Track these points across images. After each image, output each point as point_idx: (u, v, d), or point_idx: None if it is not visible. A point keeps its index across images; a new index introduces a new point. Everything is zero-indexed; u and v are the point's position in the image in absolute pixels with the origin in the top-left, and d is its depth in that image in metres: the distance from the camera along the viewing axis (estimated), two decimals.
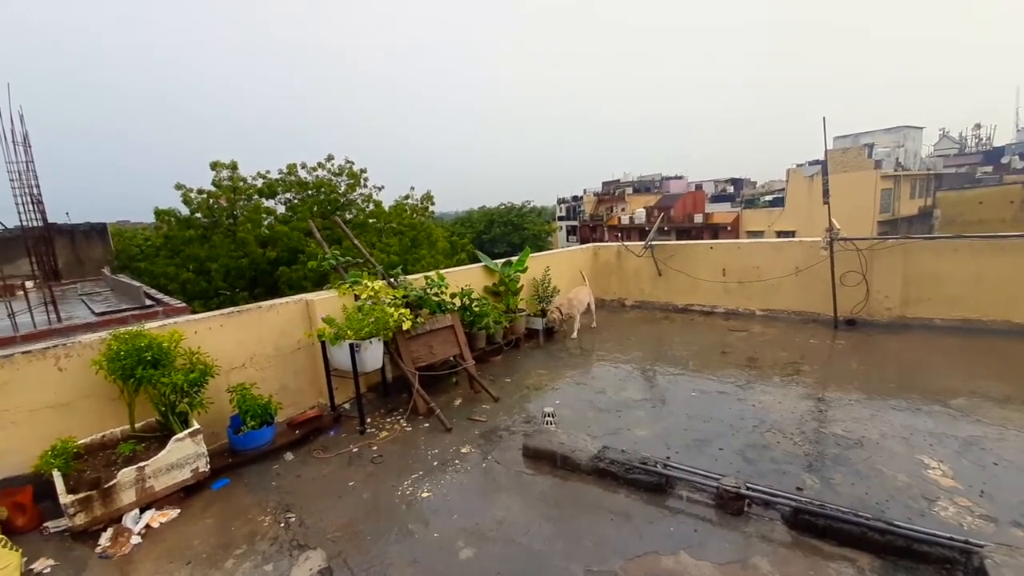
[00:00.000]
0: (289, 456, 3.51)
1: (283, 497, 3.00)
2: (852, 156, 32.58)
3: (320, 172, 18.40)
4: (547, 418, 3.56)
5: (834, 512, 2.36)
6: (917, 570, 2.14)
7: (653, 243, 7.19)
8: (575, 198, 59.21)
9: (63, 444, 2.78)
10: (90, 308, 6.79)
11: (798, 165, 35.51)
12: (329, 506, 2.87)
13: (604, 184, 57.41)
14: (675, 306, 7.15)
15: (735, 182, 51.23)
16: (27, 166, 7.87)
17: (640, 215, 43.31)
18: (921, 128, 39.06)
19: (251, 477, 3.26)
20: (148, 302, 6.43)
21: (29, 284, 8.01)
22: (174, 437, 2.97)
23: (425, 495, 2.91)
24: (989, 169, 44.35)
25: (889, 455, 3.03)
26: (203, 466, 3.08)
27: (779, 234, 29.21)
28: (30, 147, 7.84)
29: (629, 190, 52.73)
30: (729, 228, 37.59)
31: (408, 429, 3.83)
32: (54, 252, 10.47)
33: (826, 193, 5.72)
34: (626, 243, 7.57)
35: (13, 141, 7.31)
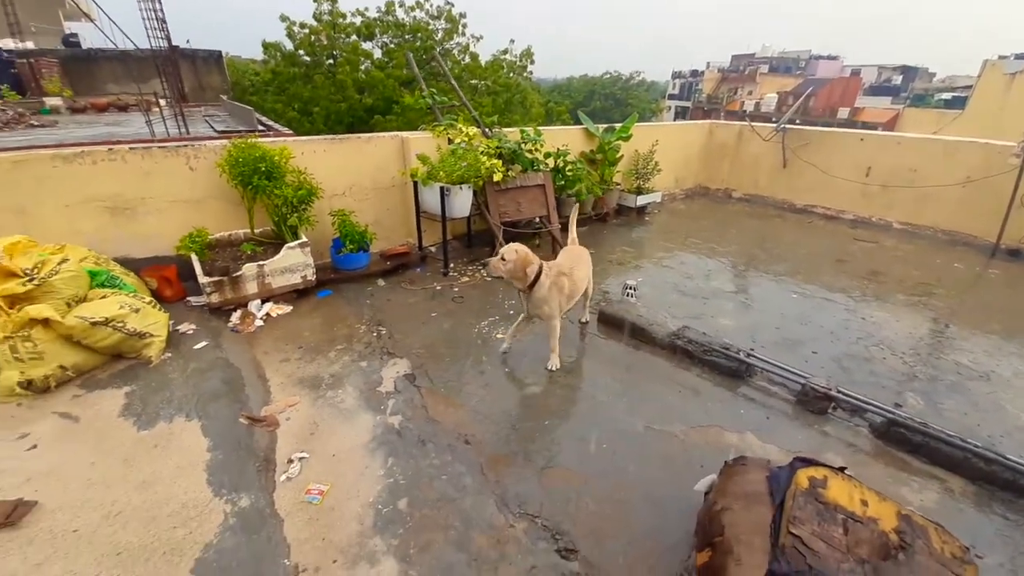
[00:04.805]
0: (381, 282, 3.82)
1: (375, 314, 3.32)
2: None
3: (417, 13, 17.24)
4: (628, 291, 3.46)
5: (936, 432, 2.15)
6: (1016, 504, 1.96)
7: (787, 126, 6.12)
8: (694, 73, 50.97)
9: (198, 232, 3.19)
10: (211, 127, 7.36)
11: (1000, 57, 27.20)
12: (414, 328, 3.14)
13: (734, 58, 47.78)
14: (793, 205, 6.31)
15: (906, 71, 40.69)
16: None
17: (770, 101, 36.41)
18: None
19: (349, 293, 3.62)
20: (260, 127, 6.81)
21: (162, 102, 8.80)
22: (287, 245, 3.28)
23: (500, 336, 3.06)
24: None
25: (1017, 394, 2.65)
26: (310, 275, 3.44)
27: None
28: None
29: (764, 68, 43.82)
30: (882, 130, 31.28)
31: (488, 279, 3.95)
32: (180, 75, 11.20)
33: None
34: (753, 123, 6.52)
35: None
